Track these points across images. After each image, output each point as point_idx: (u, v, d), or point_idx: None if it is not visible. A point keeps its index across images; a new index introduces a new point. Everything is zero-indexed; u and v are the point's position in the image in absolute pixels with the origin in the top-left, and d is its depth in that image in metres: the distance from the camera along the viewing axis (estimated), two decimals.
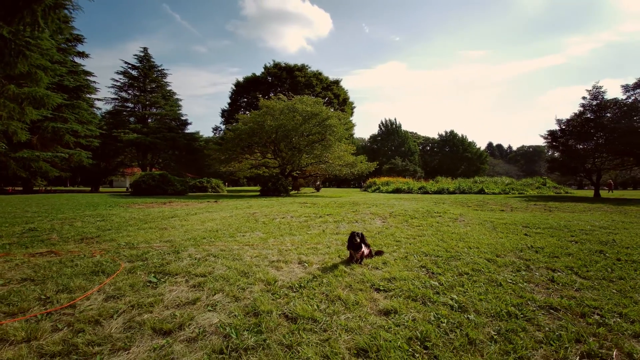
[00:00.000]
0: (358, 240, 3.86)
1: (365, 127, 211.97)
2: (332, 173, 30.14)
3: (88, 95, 32.72)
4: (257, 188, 42.97)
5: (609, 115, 23.52)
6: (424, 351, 1.89)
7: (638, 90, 21.44)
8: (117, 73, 41.71)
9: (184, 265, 3.64)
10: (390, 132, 75.37)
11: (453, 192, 26.92)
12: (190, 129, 47.10)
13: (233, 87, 52.60)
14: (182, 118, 46.43)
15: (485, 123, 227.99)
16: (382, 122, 77.54)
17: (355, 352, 1.89)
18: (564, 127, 26.19)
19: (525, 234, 6.04)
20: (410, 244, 4.98)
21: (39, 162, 25.47)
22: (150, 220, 7.96)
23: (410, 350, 1.89)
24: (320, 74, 51.41)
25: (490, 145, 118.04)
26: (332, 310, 2.46)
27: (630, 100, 22.15)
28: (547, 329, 2.20)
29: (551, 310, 2.50)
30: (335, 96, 50.79)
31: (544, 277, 3.30)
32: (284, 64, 50.70)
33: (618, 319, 2.33)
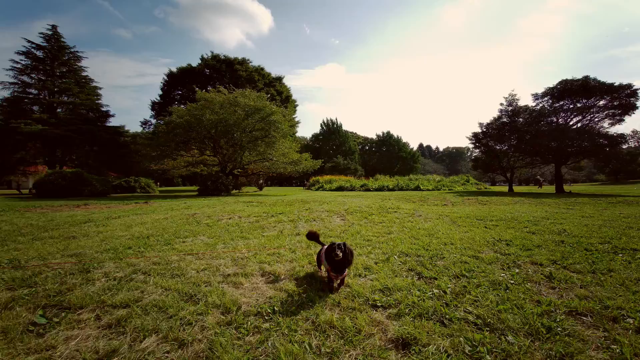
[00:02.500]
0: (340, 254, 2.50)
1: (305, 126, 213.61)
2: (276, 171, 29.09)
3: None
4: (195, 188, 39.65)
5: (521, 120, 26.70)
6: None
7: (545, 99, 24.74)
8: (18, 53, 34.39)
9: (95, 290, 2.53)
10: (331, 131, 76.65)
11: (393, 189, 28.08)
12: (114, 123, 41.19)
13: (165, 77, 47.80)
14: (103, 109, 40.36)
15: (416, 125, 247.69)
16: (323, 122, 78.53)
17: None
18: (485, 129, 29.12)
19: (485, 227, 6.03)
20: (383, 242, 4.47)
21: None
22: (54, 228, 6.21)
23: None
24: (262, 69, 49.65)
25: (421, 145, 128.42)
26: (330, 349, 1.72)
27: (538, 107, 25.51)
28: (597, 343, 1.79)
29: (582, 318, 2.12)
30: (278, 93, 49.47)
31: (540, 274, 3.02)
32: (224, 56, 47.75)
33: None
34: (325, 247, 2.81)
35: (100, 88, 40.09)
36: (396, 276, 2.96)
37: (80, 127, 35.24)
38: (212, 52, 48.00)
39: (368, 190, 27.88)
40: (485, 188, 32.80)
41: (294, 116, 48.63)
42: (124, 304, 2.27)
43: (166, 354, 1.66)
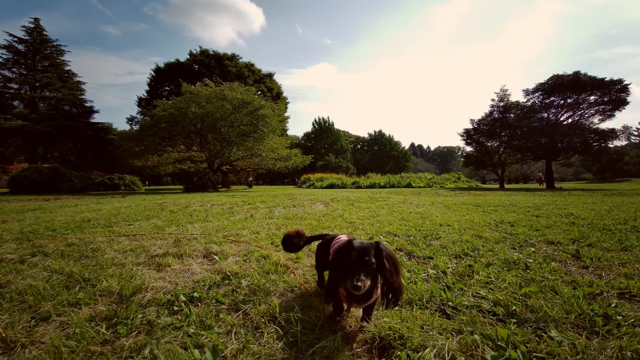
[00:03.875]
0: (362, 284, 1.05)
1: (298, 125, 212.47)
2: (265, 167, 28.20)
3: None
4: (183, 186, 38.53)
5: (512, 115, 26.40)
6: None
7: (537, 94, 24.45)
8: None
9: None
10: (323, 130, 75.93)
11: (384, 187, 27.53)
12: (100, 120, 39.67)
13: (152, 72, 46.32)
14: (86, 105, 38.79)
15: (408, 124, 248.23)
16: (315, 120, 77.74)
17: None
18: (476, 125, 28.83)
19: (483, 211, 5.41)
20: (367, 225, 3.77)
21: None
22: None
23: None
24: (252, 65, 48.62)
25: (412, 145, 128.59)
26: (256, 357, 1.02)
27: (529, 103, 25.25)
28: None
29: None
30: (268, 89, 48.50)
31: (562, 252, 2.37)
32: (213, 51, 46.60)
33: None
34: (338, 241, 1.38)
35: (83, 83, 38.56)
36: None
37: (62, 122, 33.78)
38: (201, 47, 46.84)
39: (359, 187, 27.32)
40: (477, 185, 32.53)
41: (284, 113, 47.71)
42: None
43: None
